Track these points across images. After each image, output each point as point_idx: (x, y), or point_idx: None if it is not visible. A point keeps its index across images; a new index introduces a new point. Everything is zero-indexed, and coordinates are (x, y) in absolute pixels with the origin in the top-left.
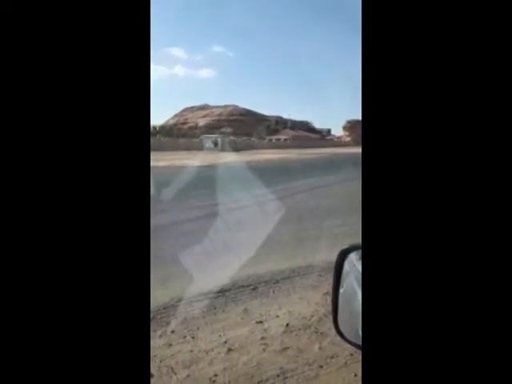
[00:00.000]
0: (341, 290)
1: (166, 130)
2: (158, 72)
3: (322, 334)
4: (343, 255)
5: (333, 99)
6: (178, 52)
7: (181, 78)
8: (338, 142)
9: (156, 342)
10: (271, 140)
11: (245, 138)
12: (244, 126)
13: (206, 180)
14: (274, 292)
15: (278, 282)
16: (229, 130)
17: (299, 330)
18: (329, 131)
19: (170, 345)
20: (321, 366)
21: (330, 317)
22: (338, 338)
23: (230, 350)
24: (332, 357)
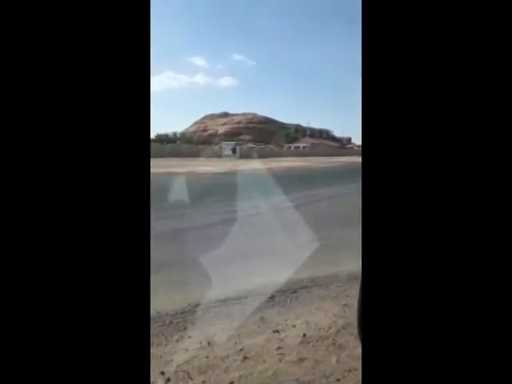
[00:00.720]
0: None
1: (186, 137)
2: (179, 81)
3: (339, 346)
4: None
5: (354, 107)
6: (199, 61)
7: (201, 86)
8: (358, 151)
9: (173, 347)
10: (290, 148)
11: (263, 145)
12: (263, 134)
13: (223, 187)
14: (291, 301)
15: (295, 291)
16: (248, 137)
17: (316, 341)
18: (349, 140)
19: (187, 350)
20: (338, 380)
21: (348, 329)
22: (357, 352)
23: (245, 358)
24: (350, 370)
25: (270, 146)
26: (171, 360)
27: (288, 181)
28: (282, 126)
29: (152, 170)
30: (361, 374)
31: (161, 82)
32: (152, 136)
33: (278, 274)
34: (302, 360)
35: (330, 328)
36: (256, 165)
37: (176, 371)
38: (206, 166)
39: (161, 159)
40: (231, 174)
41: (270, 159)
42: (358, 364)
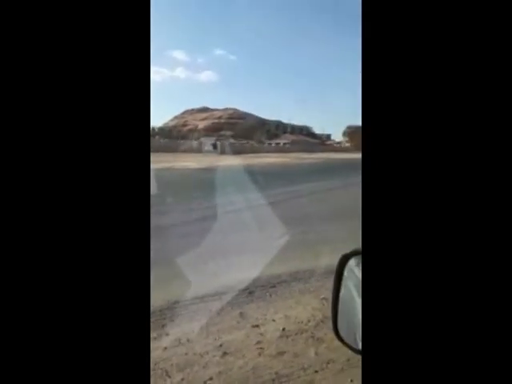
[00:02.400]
0: (340, 295)
1: (165, 132)
2: (159, 74)
3: (318, 339)
4: (344, 260)
5: (333, 104)
6: (179, 55)
7: (182, 80)
8: (337, 148)
9: (152, 345)
10: (271, 144)
11: (244, 141)
12: (244, 130)
13: (203, 183)
14: (270, 296)
15: (274, 286)
16: (228, 133)
17: (295, 334)
18: (329, 136)
19: (165, 348)
20: (316, 371)
21: (327, 322)
22: (335, 344)
23: (225, 353)
24: (328, 362)
25: (251, 142)
26: None
27: (268, 177)
28: (263, 122)
29: None
30: (339, 366)
31: None
32: None
33: (256, 270)
34: (281, 353)
35: (308, 321)
36: (237, 161)
37: (154, 369)
38: (185, 162)
39: None
40: (211, 170)
41: (250, 155)
42: (336, 356)
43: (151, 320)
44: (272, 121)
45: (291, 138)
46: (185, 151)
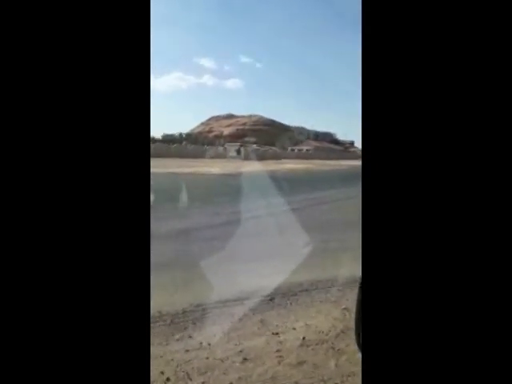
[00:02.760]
0: None
1: (191, 138)
2: (186, 81)
3: (339, 350)
4: None
5: (357, 111)
6: (207, 62)
7: (209, 87)
8: (360, 155)
9: (173, 346)
10: (293, 150)
11: (267, 147)
12: (267, 136)
13: (227, 188)
14: (291, 304)
15: (295, 294)
16: (252, 139)
17: (316, 344)
18: (352, 143)
19: (187, 350)
20: None
21: (348, 333)
22: (356, 357)
23: (245, 359)
24: (349, 375)
25: (274, 148)
26: (171, 360)
27: (290, 183)
28: (286, 129)
29: (157, 170)
30: (360, 379)
31: (169, 82)
32: (159, 136)
33: (278, 277)
34: (301, 363)
35: (329, 332)
36: (260, 166)
37: (176, 371)
38: (210, 167)
39: (166, 159)
40: (235, 176)
41: (273, 161)
42: (357, 369)
43: (174, 322)
44: (295, 127)
45: (314, 144)
46: (209, 157)
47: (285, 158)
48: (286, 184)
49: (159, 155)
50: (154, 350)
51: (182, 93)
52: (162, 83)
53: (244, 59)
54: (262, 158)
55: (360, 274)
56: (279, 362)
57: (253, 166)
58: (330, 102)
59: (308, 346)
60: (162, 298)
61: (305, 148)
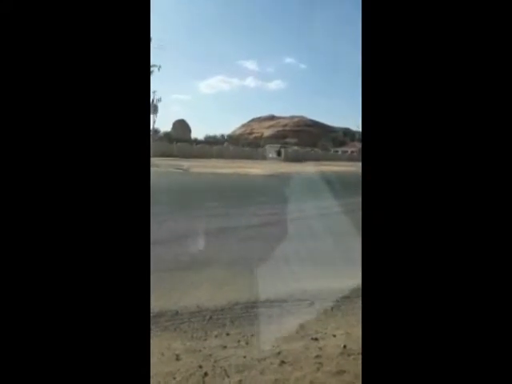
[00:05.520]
0: None
1: (233, 139)
2: (230, 84)
3: None
4: None
5: None
6: (250, 65)
7: (252, 89)
8: None
9: (212, 342)
10: (337, 152)
11: (309, 148)
12: (309, 137)
13: (266, 188)
14: (332, 310)
15: (337, 300)
16: (293, 140)
17: (357, 354)
18: None
19: (225, 347)
20: None
21: None
22: None
23: (282, 362)
24: None
25: (316, 150)
26: (210, 355)
27: (332, 186)
28: (329, 130)
29: (199, 169)
30: None
31: (212, 85)
32: (201, 137)
33: (320, 281)
34: (341, 372)
35: None
36: (299, 168)
37: (214, 366)
38: (250, 168)
39: (208, 160)
40: (275, 177)
41: (314, 163)
42: None
43: (213, 318)
44: (339, 128)
45: (359, 145)
46: (250, 158)
47: (327, 159)
48: (327, 186)
49: (201, 156)
50: (193, 344)
51: (224, 95)
52: (205, 86)
53: (288, 60)
54: (302, 159)
55: None
56: (318, 369)
57: (293, 168)
58: None
59: (349, 354)
60: (201, 294)
61: (349, 150)
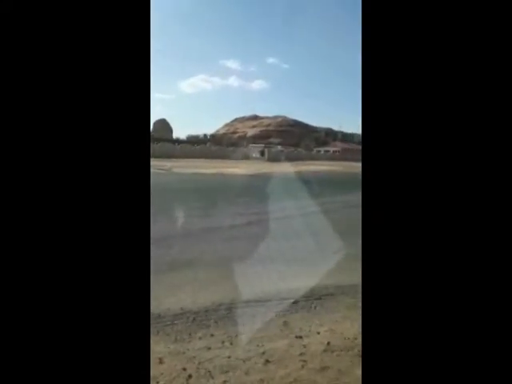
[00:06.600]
0: None
1: (216, 139)
2: (212, 83)
3: None
4: None
5: None
6: (232, 64)
7: (234, 88)
8: None
9: (196, 344)
10: (319, 151)
11: (292, 148)
12: (292, 137)
13: (250, 189)
14: (315, 308)
15: (320, 298)
16: (277, 140)
17: (341, 350)
18: None
19: (209, 348)
20: None
21: None
22: None
23: (267, 361)
24: None
25: (299, 150)
26: (194, 357)
27: (315, 185)
28: (312, 130)
29: (181, 170)
30: None
31: (194, 84)
32: (183, 137)
33: (303, 280)
34: (325, 369)
35: (355, 338)
36: (283, 168)
37: (198, 368)
38: (234, 168)
39: (191, 160)
40: (258, 177)
41: (298, 162)
42: None
43: (196, 319)
44: (322, 128)
45: (341, 145)
46: (233, 158)
47: (311, 159)
48: (310, 186)
49: (184, 156)
50: (176, 347)
51: (207, 94)
52: (187, 85)
53: (270, 60)
54: (286, 159)
55: None
56: (302, 366)
57: (277, 168)
58: (359, 104)
59: (333, 351)
60: (184, 296)
61: (332, 149)
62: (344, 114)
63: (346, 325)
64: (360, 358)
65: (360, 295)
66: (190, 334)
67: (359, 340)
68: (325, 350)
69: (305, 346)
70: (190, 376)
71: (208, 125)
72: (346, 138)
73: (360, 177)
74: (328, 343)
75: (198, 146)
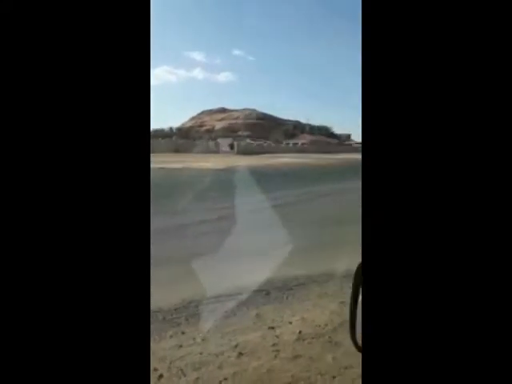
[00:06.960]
0: (358, 301)
1: (182, 132)
2: (177, 75)
3: (336, 343)
4: None
5: (354, 104)
6: (197, 56)
7: (200, 81)
8: (357, 148)
9: (167, 343)
10: (288, 144)
11: (261, 141)
12: (261, 130)
13: (219, 183)
14: (287, 298)
15: (291, 288)
16: (246, 133)
17: (312, 338)
18: (348, 136)
19: (181, 346)
20: (334, 377)
21: (345, 326)
22: (353, 349)
23: (240, 354)
24: (346, 368)
25: (269, 142)
26: (165, 357)
27: (285, 177)
28: (280, 123)
29: None
30: (357, 371)
31: (158, 76)
32: None
33: (273, 271)
34: (297, 357)
35: (326, 325)
36: (253, 161)
37: (169, 367)
38: (202, 162)
39: (156, 154)
40: (228, 171)
41: (267, 155)
42: (354, 361)
43: (167, 318)
44: (290, 121)
45: (309, 138)
46: (201, 151)
47: (280, 152)
48: (280, 178)
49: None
50: None
51: (171, 86)
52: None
53: (236, 52)
54: (255, 152)
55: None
56: (275, 356)
57: (246, 161)
58: (327, 95)
59: (304, 339)
60: (153, 295)
61: (300, 142)
62: (311, 107)
63: (316, 312)
64: (331, 344)
65: (329, 283)
66: (160, 334)
67: (329, 327)
68: (297, 339)
69: (277, 337)
70: (161, 376)
71: (174, 118)
72: (313, 130)
73: (328, 168)
74: (300, 332)
75: (163, 139)
